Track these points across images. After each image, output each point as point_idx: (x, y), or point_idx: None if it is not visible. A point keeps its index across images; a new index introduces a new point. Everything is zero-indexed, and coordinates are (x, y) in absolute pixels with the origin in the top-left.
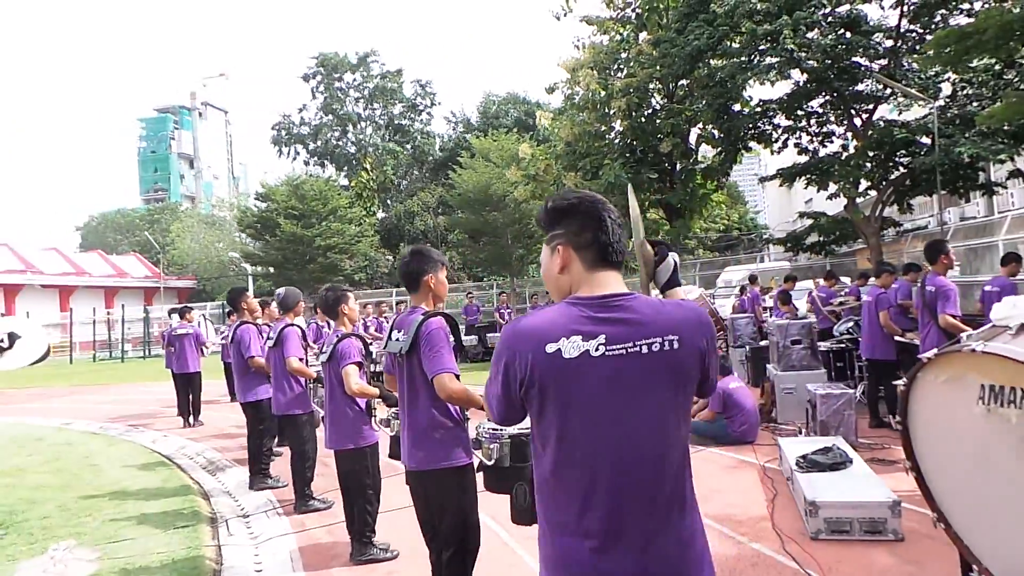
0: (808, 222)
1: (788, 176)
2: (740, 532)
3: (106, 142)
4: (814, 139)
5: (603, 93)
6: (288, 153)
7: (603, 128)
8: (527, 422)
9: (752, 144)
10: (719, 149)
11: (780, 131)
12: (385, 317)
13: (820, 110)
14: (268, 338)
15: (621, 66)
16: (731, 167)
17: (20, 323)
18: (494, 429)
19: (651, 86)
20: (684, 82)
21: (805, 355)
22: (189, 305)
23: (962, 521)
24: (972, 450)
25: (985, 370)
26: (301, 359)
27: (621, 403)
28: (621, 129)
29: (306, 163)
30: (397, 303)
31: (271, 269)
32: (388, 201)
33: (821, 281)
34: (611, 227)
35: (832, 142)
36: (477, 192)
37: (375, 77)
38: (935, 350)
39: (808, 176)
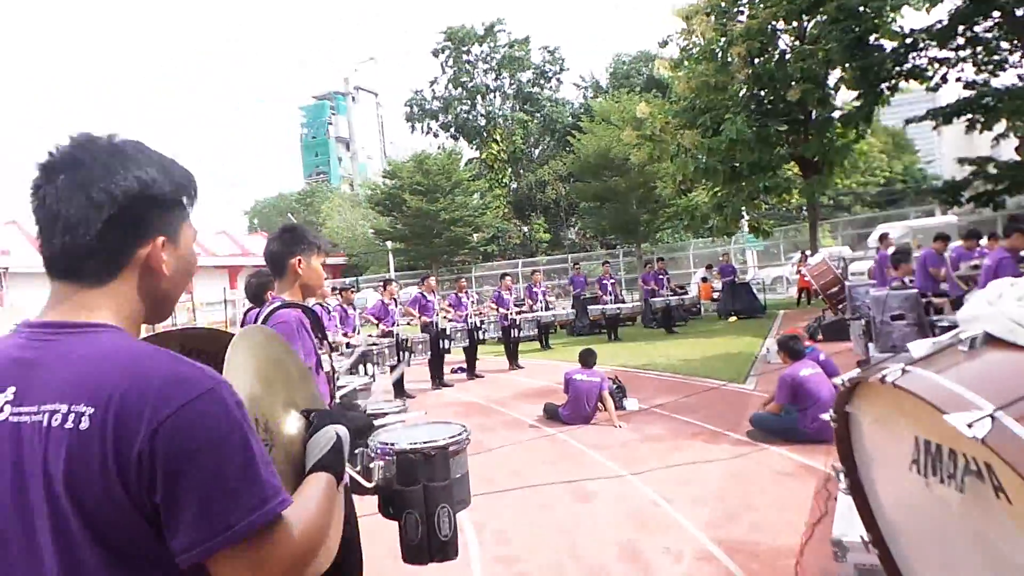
0: (969, 169)
1: (942, 116)
2: (749, 569)
3: (272, 130)
4: (982, 69)
5: (722, 40)
6: (421, 128)
7: (723, 79)
8: (444, 430)
9: (902, 83)
10: (858, 92)
11: (937, 65)
12: (465, 292)
13: (987, 35)
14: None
15: (741, 8)
16: (872, 111)
17: None
18: (384, 442)
19: (776, 26)
20: (819, 18)
21: (909, 333)
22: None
23: None
24: (934, 533)
25: (914, 414)
26: None
27: (17, 519)
28: (743, 79)
29: (436, 136)
30: (532, 273)
31: (400, 244)
32: (520, 171)
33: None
34: (56, 208)
35: (1005, 71)
36: (597, 157)
37: (502, 47)
38: (851, 373)
39: (971, 114)
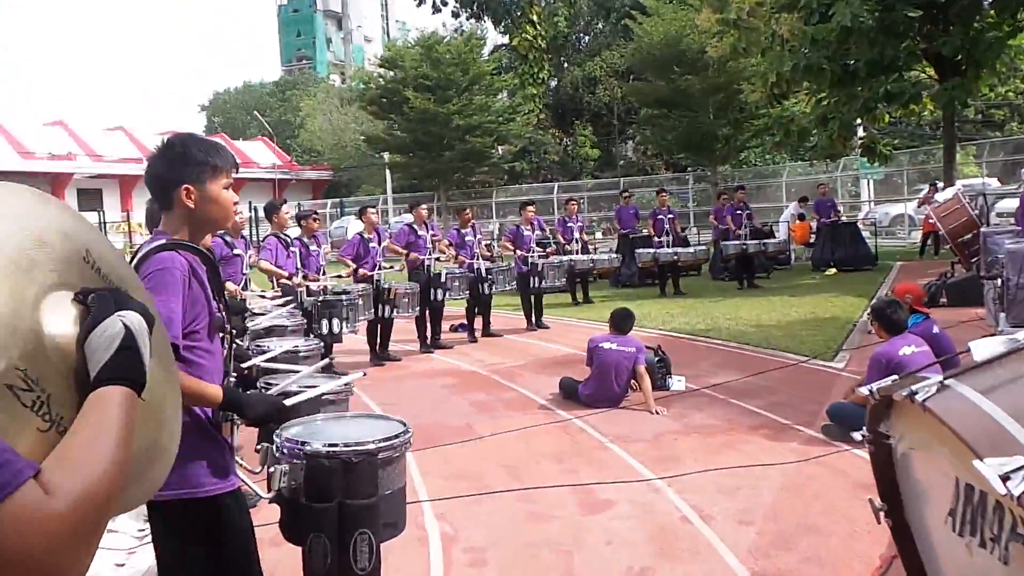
0: None
1: None
2: None
3: (242, 4)
4: None
5: None
6: (432, 2)
7: None
8: (377, 428)
9: None
10: None
11: None
12: (472, 226)
13: None
14: None
15: None
16: None
17: None
18: (293, 439)
19: None
20: None
21: None
22: None
23: None
24: None
25: (952, 447)
26: None
27: None
28: None
29: (456, 15)
30: (567, 202)
31: (400, 157)
32: (563, 64)
33: None
34: None
35: None
36: (664, 48)
37: None
38: (888, 380)
39: None
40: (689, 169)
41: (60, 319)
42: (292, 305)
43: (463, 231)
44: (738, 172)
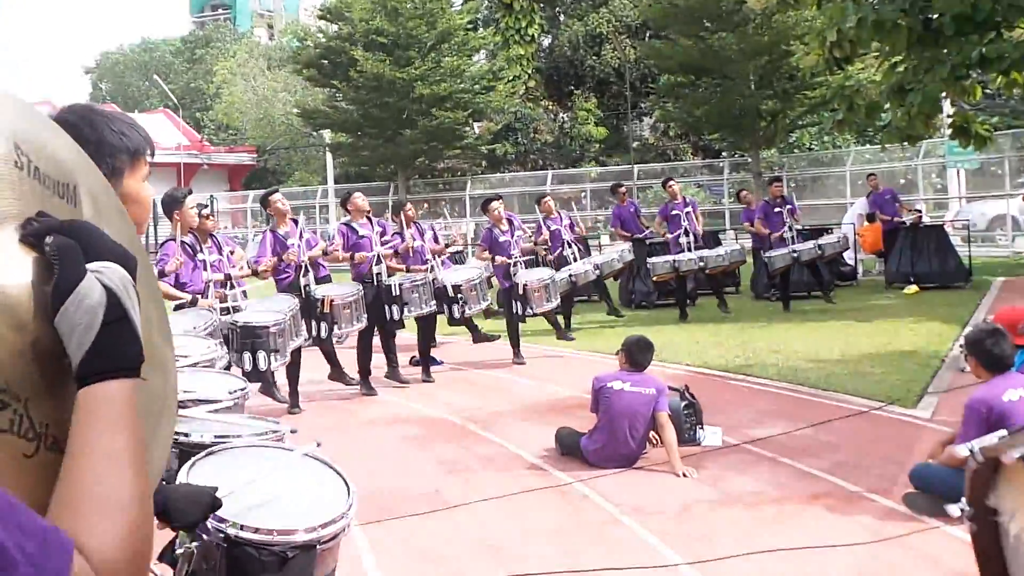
0: None
1: None
2: None
3: None
4: None
5: None
6: None
7: None
8: (323, 500)
9: None
10: None
11: None
12: (415, 226)
13: None
14: None
15: None
16: None
17: None
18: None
19: None
20: None
21: None
22: None
23: None
24: None
25: None
26: None
27: None
28: None
29: None
30: (541, 199)
31: (345, 137)
32: (558, 17)
33: None
34: None
35: None
36: None
37: None
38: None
39: None
40: (724, 154)
41: (9, 275)
42: (206, 323)
43: (406, 233)
44: (788, 158)
